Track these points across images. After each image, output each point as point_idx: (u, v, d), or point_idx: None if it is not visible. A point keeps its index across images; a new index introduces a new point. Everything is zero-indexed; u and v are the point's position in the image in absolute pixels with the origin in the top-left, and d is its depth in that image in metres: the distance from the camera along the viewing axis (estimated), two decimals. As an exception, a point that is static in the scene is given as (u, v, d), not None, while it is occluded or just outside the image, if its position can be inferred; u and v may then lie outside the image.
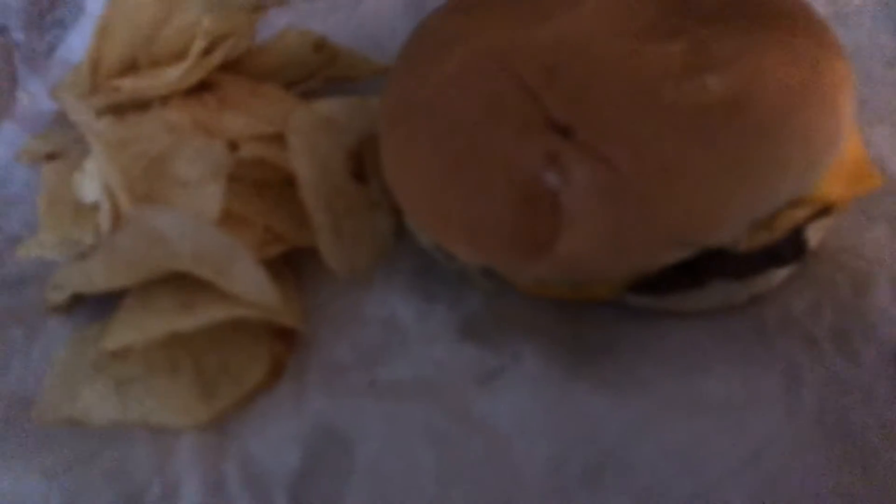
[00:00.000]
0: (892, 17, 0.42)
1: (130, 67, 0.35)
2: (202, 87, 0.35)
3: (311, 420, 0.27)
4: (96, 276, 0.29)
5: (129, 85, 0.33)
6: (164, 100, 0.34)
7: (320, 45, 0.38)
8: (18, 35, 0.45)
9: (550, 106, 0.27)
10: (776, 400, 0.27)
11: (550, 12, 0.30)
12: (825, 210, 0.30)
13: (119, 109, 0.35)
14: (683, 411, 0.27)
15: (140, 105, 0.35)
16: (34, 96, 0.43)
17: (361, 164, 0.35)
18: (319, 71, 0.40)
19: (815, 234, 0.31)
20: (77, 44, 0.45)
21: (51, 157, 0.37)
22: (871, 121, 0.38)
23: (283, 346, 0.31)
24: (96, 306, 0.32)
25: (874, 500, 0.25)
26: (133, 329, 0.30)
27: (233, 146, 0.33)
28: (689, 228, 0.26)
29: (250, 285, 0.28)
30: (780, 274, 0.31)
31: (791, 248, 0.29)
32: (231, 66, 0.37)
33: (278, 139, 0.33)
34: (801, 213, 0.29)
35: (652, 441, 0.26)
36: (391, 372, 0.29)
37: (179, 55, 0.34)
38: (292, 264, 0.34)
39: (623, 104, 0.27)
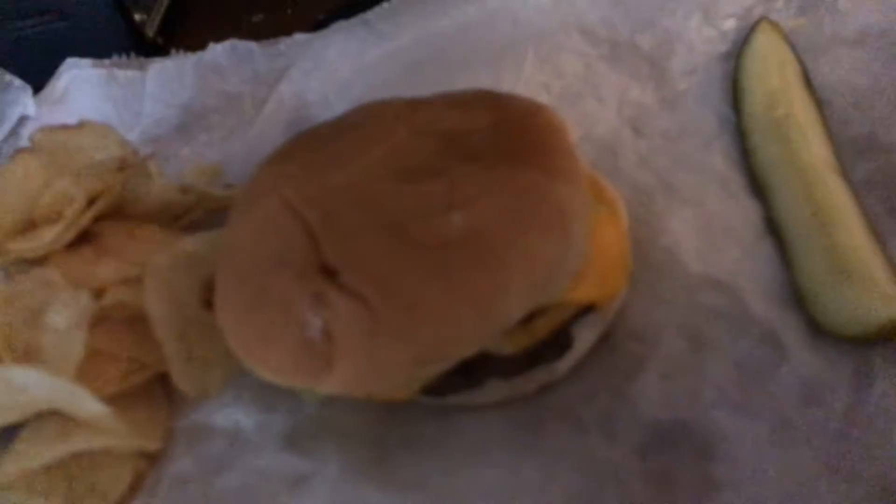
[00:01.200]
0: (713, 101, 0.46)
1: (28, 228, 0.42)
2: (84, 238, 0.42)
3: (143, 532, 0.33)
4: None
5: (14, 248, 0.40)
6: (48, 255, 0.40)
7: (185, 190, 0.44)
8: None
9: (325, 250, 0.32)
10: (534, 486, 0.31)
11: (347, 159, 0.36)
12: (588, 309, 0.34)
13: (21, 265, 0.42)
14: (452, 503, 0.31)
15: (38, 261, 0.41)
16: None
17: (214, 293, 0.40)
18: (197, 206, 0.46)
19: (587, 330, 0.35)
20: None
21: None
22: (674, 205, 0.42)
23: (145, 462, 0.37)
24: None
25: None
26: (21, 460, 0.36)
27: (101, 291, 0.39)
28: (437, 351, 0.31)
29: (98, 420, 0.34)
30: (568, 362, 0.35)
31: (555, 347, 0.34)
32: (113, 214, 0.43)
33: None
34: (557, 317, 0.33)
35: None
36: (224, 482, 0.34)
37: (60, 216, 0.41)
38: (166, 385, 0.40)
39: (377, 244, 0.32)
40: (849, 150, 0.41)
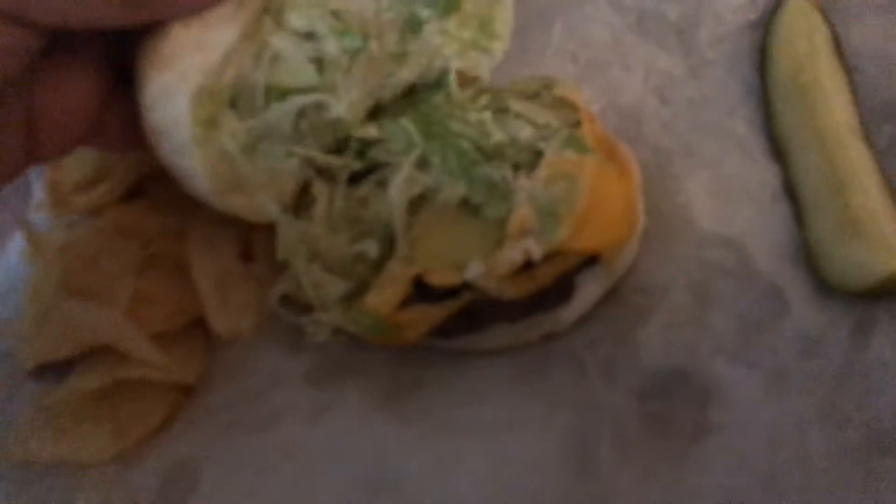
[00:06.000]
0: (740, 70, 0.46)
1: (91, 183, 0.46)
2: (135, 193, 0.46)
3: (175, 454, 0.36)
4: (38, 352, 0.39)
5: (76, 201, 0.44)
6: (103, 208, 0.44)
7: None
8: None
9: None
10: (532, 423, 0.33)
11: None
12: (592, 261, 0.36)
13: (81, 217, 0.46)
14: (451, 434, 0.33)
15: (95, 212, 0.45)
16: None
17: (250, 246, 0.43)
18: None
19: (592, 282, 0.36)
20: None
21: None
22: (693, 167, 0.42)
23: (181, 394, 0.40)
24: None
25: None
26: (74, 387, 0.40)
27: (149, 242, 0.43)
28: None
29: (142, 352, 0.38)
30: (572, 314, 0.37)
31: (557, 294, 0.35)
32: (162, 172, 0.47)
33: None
34: (560, 265, 0.35)
35: (418, 459, 0.33)
36: (249, 413, 0.37)
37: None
38: (204, 328, 0.43)
39: None
40: (876, 116, 0.41)
